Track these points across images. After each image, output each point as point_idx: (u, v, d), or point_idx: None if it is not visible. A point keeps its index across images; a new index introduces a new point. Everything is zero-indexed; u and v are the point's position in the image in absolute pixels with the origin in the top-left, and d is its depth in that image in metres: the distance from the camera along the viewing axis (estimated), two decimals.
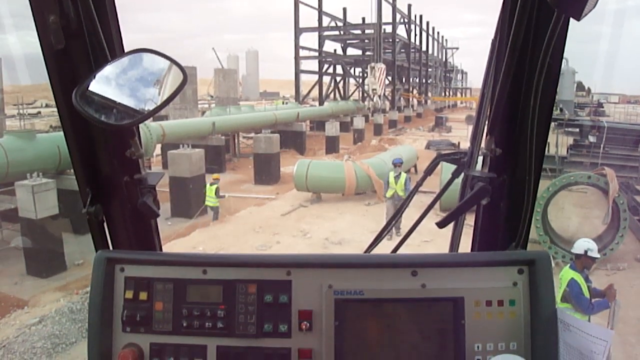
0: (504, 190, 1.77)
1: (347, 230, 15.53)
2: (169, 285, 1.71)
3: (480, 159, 1.87)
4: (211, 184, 18.45)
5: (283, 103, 60.65)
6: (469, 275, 1.68)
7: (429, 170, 2.08)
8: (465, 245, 1.97)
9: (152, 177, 1.77)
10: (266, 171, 25.29)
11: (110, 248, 1.79)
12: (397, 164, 16.08)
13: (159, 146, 24.85)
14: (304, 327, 1.65)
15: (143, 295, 1.70)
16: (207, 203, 18.42)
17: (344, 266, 1.70)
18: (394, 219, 2.26)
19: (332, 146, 34.07)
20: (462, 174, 1.97)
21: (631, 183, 19.01)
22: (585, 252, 7.36)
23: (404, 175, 15.67)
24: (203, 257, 1.79)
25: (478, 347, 1.65)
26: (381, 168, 18.78)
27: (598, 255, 8.02)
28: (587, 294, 7.05)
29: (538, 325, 1.63)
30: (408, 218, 2.43)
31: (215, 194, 18.18)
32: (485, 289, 1.67)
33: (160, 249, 1.92)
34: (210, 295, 1.70)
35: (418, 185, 2.18)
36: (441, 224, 1.73)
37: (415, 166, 23.46)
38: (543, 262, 1.67)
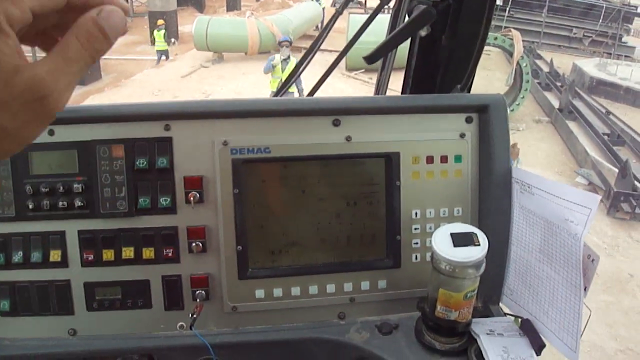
0: (448, 18, 1.38)
1: (252, 91, 14.94)
2: None
3: None
4: (158, 30, 18.76)
5: None
6: (405, 126, 1.31)
7: None
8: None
9: None
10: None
11: None
12: (284, 42, 11.54)
13: None
14: (192, 198, 1.25)
15: None
16: (157, 48, 18.82)
17: (243, 115, 1.27)
18: (304, 61, 1.79)
19: (233, 3, 32.14)
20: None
21: (533, 47, 19.48)
22: None
23: (293, 61, 10.95)
24: None
25: (416, 213, 1.32)
26: (285, 26, 17.89)
27: None
28: None
29: (489, 186, 1.31)
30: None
31: (164, 37, 18.65)
32: (425, 142, 1.32)
33: None
34: (61, 164, 1.24)
35: (329, 25, 1.69)
36: (370, 58, 1.31)
37: (321, 23, 22.66)
38: (498, 108, 1.32)
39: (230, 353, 1.32)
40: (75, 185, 1.23)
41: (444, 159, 1.33)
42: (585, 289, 1.09)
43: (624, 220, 8.99)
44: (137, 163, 1.24)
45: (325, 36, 1.65)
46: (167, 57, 19.30)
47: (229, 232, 1.27)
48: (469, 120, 1.34)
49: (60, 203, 1.23)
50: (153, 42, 22.51)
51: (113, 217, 1.25)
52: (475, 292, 1.17)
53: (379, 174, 1.31)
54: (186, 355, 1.30)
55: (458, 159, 1.33)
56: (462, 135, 1.33)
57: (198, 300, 1.27)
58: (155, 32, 19.18)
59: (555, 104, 13.75)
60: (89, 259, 1.25)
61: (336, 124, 1.28)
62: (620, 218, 9.02)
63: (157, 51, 19.28)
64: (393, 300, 1.35)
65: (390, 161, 1.30)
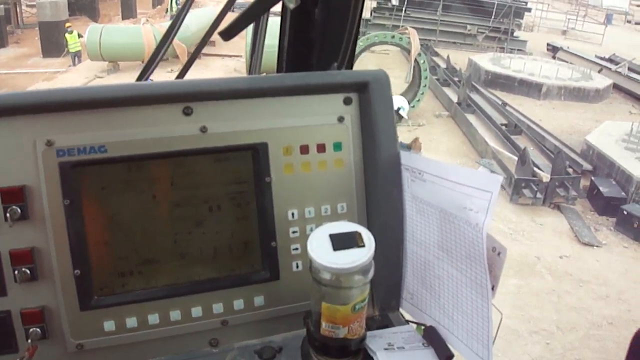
0: None
1: None
2: None
3: None
4: (71, 32, 18.78)
5: None
6: (272, 111, 1.10)
7: None
8: None
9: None
10: (55, 42, 22.21)
11: None
12: None
13: None
14: (12, 214, 0.97)
15: None
16: (72, 49, 18.82)
17: (71, 107, 1.01)
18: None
19: (128, 11, 30.99)
20: None
21: (430, 45, 19.99)
22: (398, 109, 7.46)
23: None
24: None
25: (293, 214, 1.11)
26: (182, 32, 17.32)
27: (405, 116, 8.14)
28: None
29: (375, 177, 1.12)
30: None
31: (79, 37, 18.59)
32: (297, 129, 1.11)
33: None
34: None
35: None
36: (226, 34, 1.08)
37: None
38: (380, 85, 1.14)
39: None
40: None
41: (320, 148, 1.12)
42: (492, 288, 0.92)
43: (526, 206, 9.29)
44: None
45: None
46: (80, 59, 19.42)
47: (63, 253, 1.01)
48: (347, 101, 1.14)
49: None
50: (46, 53, 21.37)
51: None
52: (366, 302, 0.98)
53: (246, 170, 1.09)
54: None
55: (337, 146, 1.14)
56: (341, 119, 1.14)
57: (30, 340, 1.00)
58: (66, 35, 18.97)
59: (454, 98, 14.10)
60: None
61: (187, 112, 1.05)
62: (523, 204, 9.30)
63: (72, 53, 19.15)
64: (274, 318, 1.14)
65: (258, 154, 1.08)
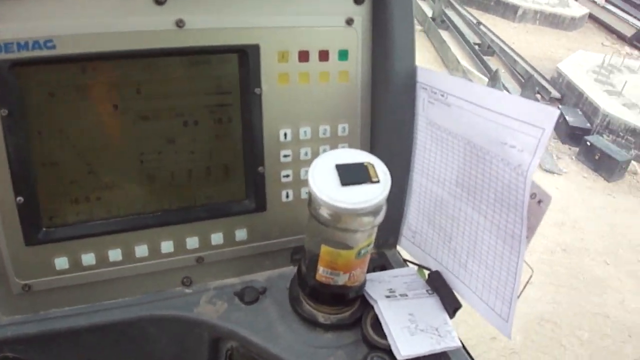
0: None
1: None
2: None
3: None
4: None
5: None
6: (267, 6, 0.88)
7: None
8: None
9: None
10: None
11: None
12: None
13: None
14: None
15: None
16: None
17: None
18: None
19: None
20: None
21: None
22: None
23: None
24: None
25: (285, 134, 0.92)
26: None
27: None
28: None
29: (386, 95, 0.94)
30: None
31: None
32: (296, 30, 0.90)
33: None
34: None
35: None
36: None
37: None
38: None
39: (30, 348, 0.89)
40: None
41: (323, 56, 0.92)
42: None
43: None
44: None
45: None
46: None
47: (1, 177, 0.80)
48: (358, 0, 0.94)
49: None
50: None
51: None
52: (371, 246, 0.82)
53: (230, 78, 0.88)
54: None
55: (343, 55, 0.94)
56: (349, 22, 0.93)
57: None
58: None
59: (429, 13, 13.71)
60: None
61: (160, 1, 0.83)
62: None
63: None
64: (258, 255, 0.98)
65: (246, 58, 0.87)
